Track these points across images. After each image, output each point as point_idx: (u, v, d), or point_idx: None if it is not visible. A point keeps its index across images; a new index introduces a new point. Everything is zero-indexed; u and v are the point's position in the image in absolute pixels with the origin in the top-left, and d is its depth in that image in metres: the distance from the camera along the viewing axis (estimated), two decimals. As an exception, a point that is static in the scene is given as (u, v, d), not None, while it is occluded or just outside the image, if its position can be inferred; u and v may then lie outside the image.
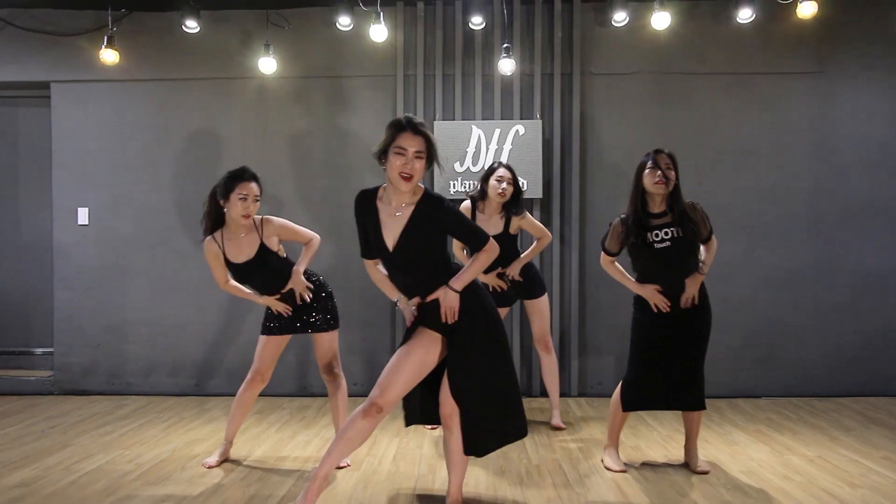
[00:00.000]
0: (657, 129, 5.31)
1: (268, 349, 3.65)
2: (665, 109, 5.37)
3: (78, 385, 5.49)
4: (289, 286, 3.57)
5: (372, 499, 3.20)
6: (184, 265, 5.45)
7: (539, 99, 5.35)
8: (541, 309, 4.45)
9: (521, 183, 4.48)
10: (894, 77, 5.34)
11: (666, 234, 3.40)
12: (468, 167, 5.27)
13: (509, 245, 4.20)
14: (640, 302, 3.54)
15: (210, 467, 3.65)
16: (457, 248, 4.35)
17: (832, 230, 5.34)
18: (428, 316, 2.85)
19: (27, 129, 5.78)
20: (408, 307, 2.89)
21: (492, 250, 2.85)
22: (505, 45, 5.15)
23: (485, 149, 5.27)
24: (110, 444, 4.11)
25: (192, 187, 5.36)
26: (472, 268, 2.83)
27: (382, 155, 2.75)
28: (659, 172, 3.38)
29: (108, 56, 5.16)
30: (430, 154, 2.75)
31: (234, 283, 3.67)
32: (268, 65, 5.21)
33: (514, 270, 4.29)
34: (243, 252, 3.53)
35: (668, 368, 3.46)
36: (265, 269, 3.55)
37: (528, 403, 4.83)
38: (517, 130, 5.26)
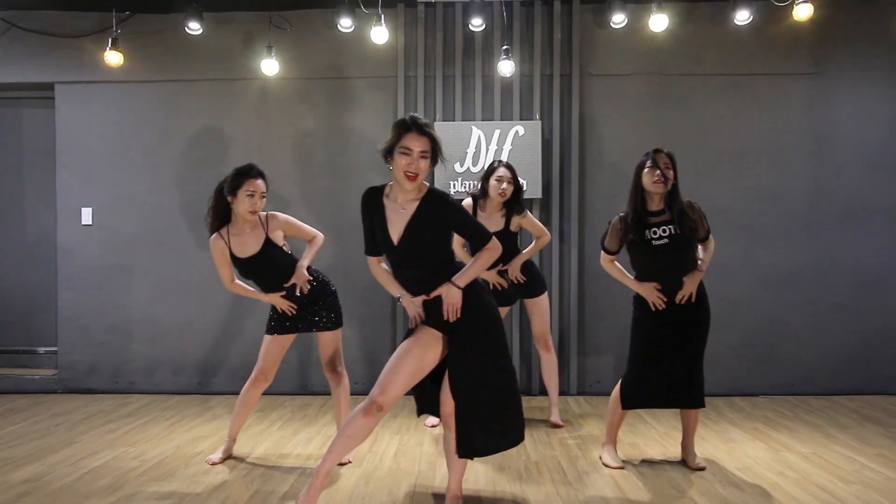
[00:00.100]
0: (656, 129, 5.35)
1: (272, 349, 3.70)
2: (663, 110, 5.42)
3: (81, 383, 5.54)
4: (292, 281, 3.61)
5: (373, 494, 3.25)
6: (186, 265, 5.50)
7: (538, 100, 5.39)
8: (541, 307, 4.49)
9: (521, 181, 4.52)
10: (891, 77, 5.38)
11: (664, 231, 3.45)
12: (468, 167, 5.31)
13: (510, 242, 4.25)
14: (640, 301, 3.58)
15: (213, 464, 3.70)
16: (457, 246, 4.39)
17: (830, 230, 5.39)
18: (429, 314, 2.88)
19: (31, 130, 5.83)
20: (411, 303, 2.91)
21: (494, 249, 2.89)
22: (504, 47, 5.19)
23: (485, 149, 5.31)
24: (115, 441, 4.16)
25: (194, 187, 5.41)
26: (475, 266, 2.87)
27: (388, 154, 2.80)
28: (658, 172, 3.42)
29: (113, 58, 5.22)
30: (434, 153, 2.81)
31: (238, 282, 3.72)
32: (270, 66, 5.25)
33: (514, 268, 4.34)
34: (249, 247, 3.58)
35: (667, 367, 3.49)
36: (270, 264, 3.60)
37: (527, 402, 4.87)
38: (517, 131, 5.30)
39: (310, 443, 4.14)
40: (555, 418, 4.48)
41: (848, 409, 4.88)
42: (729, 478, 3.45)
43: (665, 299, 3.48)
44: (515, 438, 2.98)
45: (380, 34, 5.13)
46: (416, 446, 4.03)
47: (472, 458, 2.95)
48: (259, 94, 5.53)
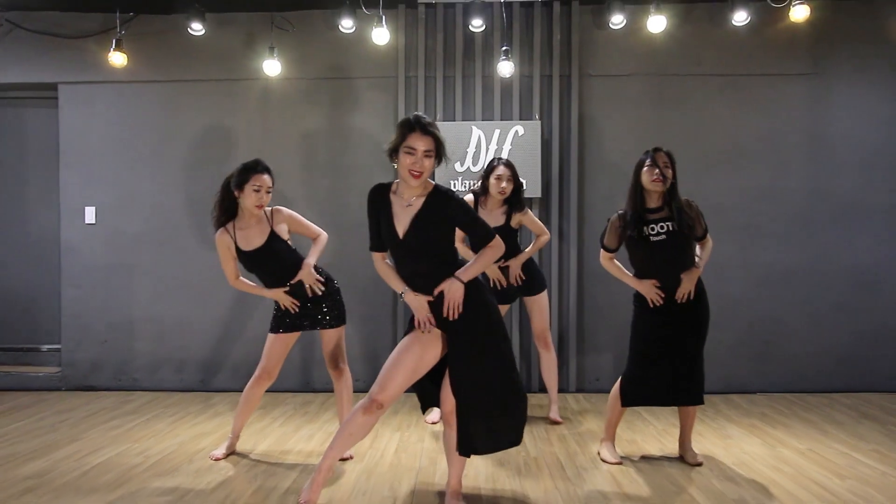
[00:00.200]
0: (654, 129, 5.39)
1: (276, 347, 3.74)
2: (662, 110, 5.46)
3: (85, 381, 5.59)
4: (297, 278, 3.65)
5: (374, 489, 3.29)
6: (189, 263, 5.54)
7: (538, 100, 5.43)
8: (541, 305, 4.53)
9: (520, 179, 4.55)
10: (889, 78, 5.42)
11: (662, 227, 3.49)
12: (468, 167, 5.35)
13: (510, 238, 4.30)
14: (639, 299, 3.62)
15: (217, 460, 3.74)
16: (458, 242, 4.42)
17: (827, 229, 5.42)
18: (431, 311, 2.92)
19: (35, 130, 5.87)
20: (415, 300, 2.92)
21: (497, 247, 2.94)
22: (504, 48, 5.23)
23: (485, 149, 5.36)
24: (118, 437, 4.20)
25: (197, 187, 5.45)
26: (479, 263, 2.91)
27: (393, 153, 2.87)
28: (657, 170, 3.46)
29: (117, 59, 5.26)
30: (438, 152, 2.87)
31: (243, 279, 3.77)
32: (272, 67, 5.29)
33: (515, 268, 4.38)
34: (254, 240, 3.63)
35: (667, 365, 3.53)
36: (274, 257, 3.64)
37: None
38: (516, 131, 5.35)
39: (311, 439, 4.18)
40: (554, 415, 4.52)
41: (844, 406, 4.92)
42: (726, 473, 3.50)
43: (663, 296, 3.52)
44: (515, 438, 3.01)
45: (381, 35, 5.17)
46: (417, 442, 4.08)
47: (468, 456, 2.97)
48: (261, 95, 5.57)
